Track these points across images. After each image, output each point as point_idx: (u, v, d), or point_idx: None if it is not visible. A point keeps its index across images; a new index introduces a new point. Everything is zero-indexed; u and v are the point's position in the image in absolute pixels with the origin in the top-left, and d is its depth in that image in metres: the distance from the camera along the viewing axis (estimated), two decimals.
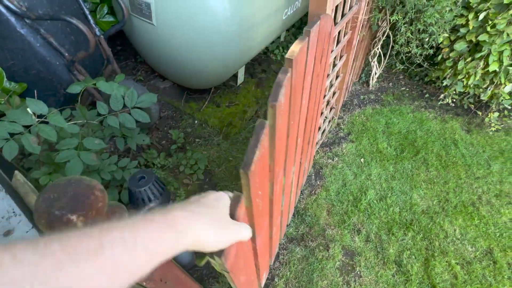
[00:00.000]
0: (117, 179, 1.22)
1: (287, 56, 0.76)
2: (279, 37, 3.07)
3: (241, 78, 2.62)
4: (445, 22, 2.17)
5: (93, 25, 1.72)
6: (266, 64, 2.97)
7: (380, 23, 2.43)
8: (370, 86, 3.01)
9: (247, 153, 0.53)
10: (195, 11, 1.60)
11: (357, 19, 1.87)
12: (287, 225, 1.82)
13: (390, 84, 3.10)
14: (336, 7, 1.48)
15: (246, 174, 0.51)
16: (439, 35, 2.21)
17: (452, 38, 2.40)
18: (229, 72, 2.09)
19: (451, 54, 2.42)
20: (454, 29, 2.39)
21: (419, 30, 2.16)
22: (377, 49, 2.68)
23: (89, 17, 1.69)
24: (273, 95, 0.65)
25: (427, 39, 2.26)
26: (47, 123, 0.99)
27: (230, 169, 2.06)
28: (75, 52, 1.58)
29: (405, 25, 2.12)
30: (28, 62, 1.38)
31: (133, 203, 0.87)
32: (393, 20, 2.14)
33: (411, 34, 2.18)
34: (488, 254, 1.87)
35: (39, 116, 1.01)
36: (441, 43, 2.44)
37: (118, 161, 1.29)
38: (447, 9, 2.09)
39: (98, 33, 1.75)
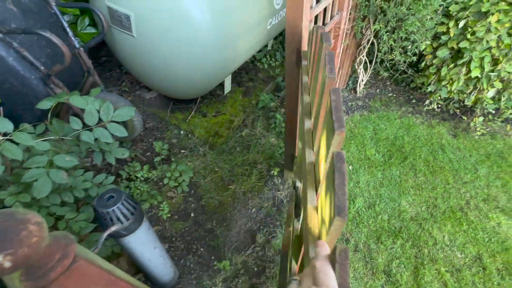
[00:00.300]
0: (92, 197, 1.17)
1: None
2: (266, 46, 3.08)
3: (227, 87, 2.61)
4: (426, 30, 2.20)
5: (72, 37, 1.69)
6: (253, 73, 2.97)
7: (364, 32, 2.45)
8: (358, 93, 3.03)
9: (337, 196, 0.42)
10: (176, 23, 1.59)
11: (340, 28, 1.89)
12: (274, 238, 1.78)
13: (377, 90, 3.13)
14: (316, 17, 1.48)
15: (343, 220, 0.41)
16: (421, 42, 2.24)
17: (435, 45, 2.44)
18: (213, 82, 2.07)
19: (434, 61, 2.46)
20: (436, 37, 2.43)
21: (401, 38, 2.18)
22: (363, 56, 2.70)
23: (68, 29, 1.66)
24: (339, 122, 0.50)
25: (409, 47, 2.29)
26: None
27: (216, 180, 2.03)
28: (52, 65, 1.54)
29: (387, 33, 2.15)
30: (1, 77, 1.34)
31: (102, 225, 0.83)
32: (375, 29, 2.17)
33: (394, 42, 2.21)
34: (477, 260, 1.86)
35: (5, 134, 0.96)
36: (424, 50, 2.47)
37: (94, 177, 1.24)
38: (428, 17, 2.12)
39: (77, 45, 1.72)
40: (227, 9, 1.74)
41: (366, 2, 2.06)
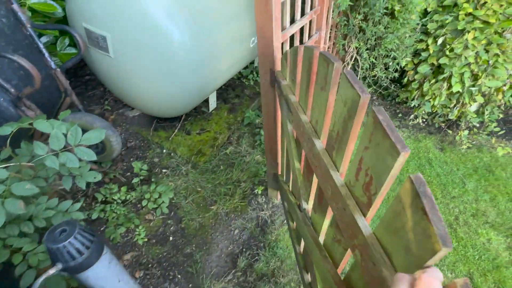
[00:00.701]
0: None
1: None
2: (252, 62, 3.11)
3: (213, 104, 2.59)
4: (406, 47, 2.24)
5: (48, 59, 1.68)
6: (240, 89, 2.98)
7: (347, 49, 2.49)
8: None
9: (434, 223, 0.38)
10: (153, 43, 1.58)
11: (320, 47, 1.90)
12: (257, 260, 1.70)
13: None
14: (292, 36, 1.49)
15: (448, 249, 0.37)
16: (402, 59, 2.27)
17: (416, 61, 2.48)
18: (195, 101, 2.05)
19: (416, 76, 2.49)
20: (416, 53, 2.48)
21: (381, 55, 2.22)
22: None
23: (44, 50, 1.65)
24: (401, 143, 0.46)
25: (390, 63, 2.32)
26: None
27: (197, 200, 1.96)
28: (24, 87, 1.51)
29: (367, 51, 2.18)
30: None
31: (53, 261, 0.77)
32: (355, 46, 2.20)
33: (375, 59, 2.24)
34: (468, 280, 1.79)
35: None
36: (405, 66, 2.51)
37: (58, 204, 1.18)
38: (407, 35, 2.17)
39: (53, 66, 1.70)
40: (206, 29, 1.75)
41: (345, 22, 2.10)
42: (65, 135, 1.19)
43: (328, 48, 2.35)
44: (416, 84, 2.54)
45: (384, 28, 2.03)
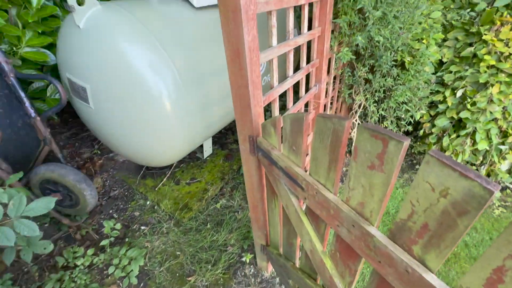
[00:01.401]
0: None
1: None
2: None
3: (208, 150, 2.42)
4: (420, 100, 2.02)
5: (28, 108, 1.60)
6: None
7: (354, 96, 2.31)
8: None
9: None
10: (134, 95, 1.47)
11: (319, 101, 1.72)
12: None
13: None
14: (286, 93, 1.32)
15: None
16: (416, 112, 2.03)
17: (432, 113, 2.23)
18: (184, 151, 1.88)
19: (433, 130, 2.22)
20: (433, 104, 2.24)
21: (392, 107, 1.99)
22: (355, 120, 2.52)
23: (25, 99, 1.58)
24: None
25: (403, 116, 2.08)
26: None
27: (174, 268, 1.69)
28: None
29: (375, 104, 1.97)
30: None
31: None
32: (359, 99, 2.00)
33: (384, 111, 2.02)
34: None
35: None
36: (420, 118, 2.26)
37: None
38: (420, 87, 1.95)
39: (33, 114, 1.62)
40: (195, 80, 1.63)
41: (350, 73, 1.93)
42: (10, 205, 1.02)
43: (332, 97, 2.17)
44: (434, 138, 2.26)
45: (394, 80, 1.84)
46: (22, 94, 1.57)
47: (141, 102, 1.49)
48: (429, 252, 0.56)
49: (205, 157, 2.44)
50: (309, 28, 2.46)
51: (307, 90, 2.32)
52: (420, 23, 1.89)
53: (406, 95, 1.89)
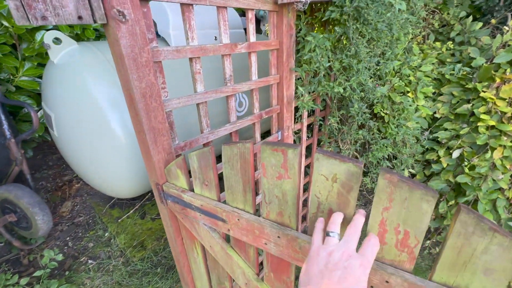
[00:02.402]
0: None
1: None
2: None
3: None
4: (407, 157, 1.79)
5: (6, 129, 1.72)
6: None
7: (341, 146, 2.14)
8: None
9: None
10: (93, 128, 1.50)
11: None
12: None
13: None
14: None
15: None
16: (402, 170, 1.80)
17: (427, 173, 1.96)
18: (143, 185, 1.84)
19: None
20: (428, 162, 1.97)
21: (371, 163, 1.79)
22: None
23: (4, 122, 1.71)
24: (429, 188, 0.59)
25: None
26: None
27: None
28: None
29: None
30: None
31: None
32: (347, 149, 1.84)
33: (364, 166, 1.81)
34: None
35: None
36: (413, 177, 1.99)
37: None
38: (407, 142, 1.74)
39: (8, 136, 1.73)
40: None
41: (321, 122, 1.82)
42: None
43: (311, 144, 2.03)
44: None
45: (370, 133, 1.67)
46: (2, 117, 1.70)
47: (99, 134, 1.52)
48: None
49: None
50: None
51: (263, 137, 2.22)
52: (408, 76, 1.76)
53: (386, 150, 1.69)
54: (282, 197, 0.71)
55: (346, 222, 0.62)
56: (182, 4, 0.90)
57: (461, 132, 1.72)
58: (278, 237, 0.73)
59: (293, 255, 0.72)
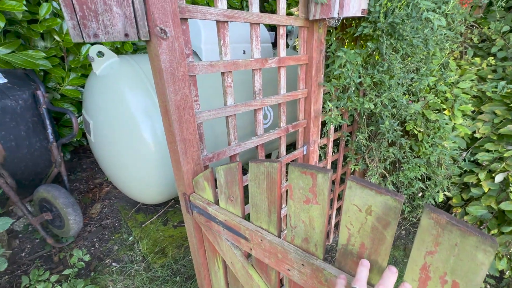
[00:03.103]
0: None
1: None
2: None
3: None
4: (443, 178, 1.67)
5: (49, 134, 1.87)
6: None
7: (368, 163, 2.06)
8: None
9: None
10: (126, 135, 1.59)
11: (312, 159, 1.58)
12: None
13: (403, 233, 2.38)
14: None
15: None
16: (437, 192, 1.67)
17: (465, 197, 1.81)
18: (169, 193, 1.89)
19: (466, 218, 1.76)
20: (466, 185, 1.82)
21: (402, 183, 1.69)
22: None
23: (48, 126, 1.86)
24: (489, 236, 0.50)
25: (420, 194, 1.73)
26: None
27: None
28: (13, 156, 1.66)
29: (376, 176, 1.70)
30: None
31: None
32: (374, 166, 1.76)
33: (393, 185, 1.72)
34: None
35: None
36: (450, 200, 1.85)
37: None
38: (443, 163, 1.63)
39: (51, 140, 1.87)
40: None
41: (348, 137, 1.76)
42: None
43: (336, 160, 1.98)
44: None
45: (401, 151, 1.58)
46: (48, 122, 1.85)
47: (131, 141, 1.59)
48: (372, 271, 0.58)
49: None
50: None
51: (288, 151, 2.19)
52: (444, 92, 1.68)
53: (419, 170, 1.59)
54: (309, 223, 0.67)
55: (376, 269, 0.56)
56: (218, 22, 0.94)
57: (506, 155, 1.57)
58: (303, 265, 0.69)
59: (318, 286, 0.68)
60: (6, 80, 1.70)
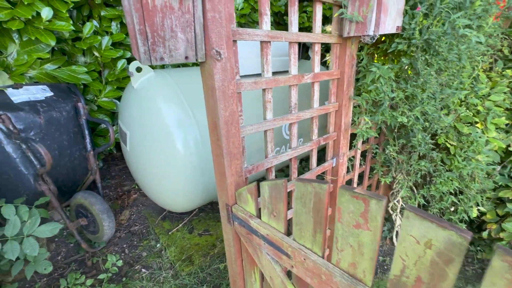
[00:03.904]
0: None
1: None
2: None
3: None
4: (476, 193, 1.63)
5: (87, 143, 1.98)
6: None
7: (395, 175, 2.04)
8: (396, 243, 2.31)
9: None
10: (161, 146, 1.66)
11: (338, 174, 1.59)
12: None
13: None
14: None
15: None
16: (470, 207, 1.63)
17: (500, 212, 1.75)
18: (197, 202, 1.94)
19: (502, 235, 1.70)
20: (502, 201, 1.77)
21: (433, 197, 1.66)
22: (397, 202, 2.17)
23: (87, 136, 1.97)
24: None
25: (451, 209, 1.69)
26: None
27: None
28: (56, 164, 1.77)
29: (407, 189, 1.68)
30: (3, 169, 1.59)
31: None
32: (401, 179, 1.75)
33: (423, 199, 1.69)
34: None
35: None
36: (483, 215, 1.79)
37: None
38: (476, 176, 1.60)
39: (88, 149, 1.99)
40: None
41: (377, 149, 1.76)
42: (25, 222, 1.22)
43: (363, 172, 1.97)
44: (505, 246, 1.71)
45: (432, 164, 1.57)
46: (86, 132, 1.97)
47: (164, 150, 1.67)
48: None
49: None
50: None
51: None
52: (475, 105, 1.66)
53: (452, 184, 1.56)
54: (357, 248, 0.66)
55: None
56: (262, 42, 1.00)
57: None
58: None
59: None
60: (52, 93, 1.84)
